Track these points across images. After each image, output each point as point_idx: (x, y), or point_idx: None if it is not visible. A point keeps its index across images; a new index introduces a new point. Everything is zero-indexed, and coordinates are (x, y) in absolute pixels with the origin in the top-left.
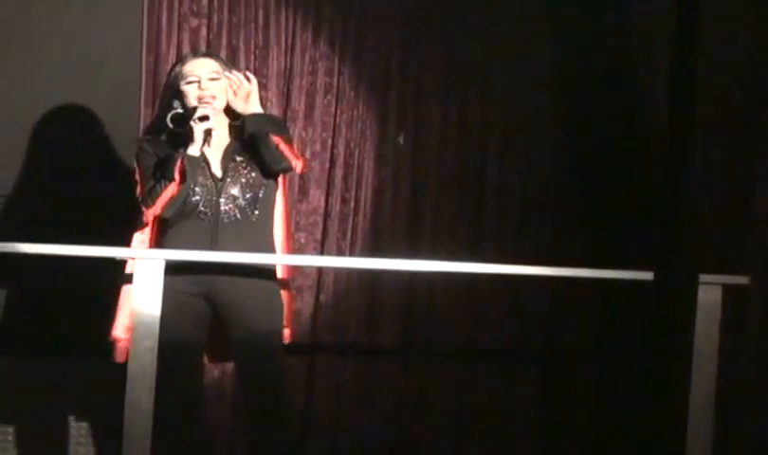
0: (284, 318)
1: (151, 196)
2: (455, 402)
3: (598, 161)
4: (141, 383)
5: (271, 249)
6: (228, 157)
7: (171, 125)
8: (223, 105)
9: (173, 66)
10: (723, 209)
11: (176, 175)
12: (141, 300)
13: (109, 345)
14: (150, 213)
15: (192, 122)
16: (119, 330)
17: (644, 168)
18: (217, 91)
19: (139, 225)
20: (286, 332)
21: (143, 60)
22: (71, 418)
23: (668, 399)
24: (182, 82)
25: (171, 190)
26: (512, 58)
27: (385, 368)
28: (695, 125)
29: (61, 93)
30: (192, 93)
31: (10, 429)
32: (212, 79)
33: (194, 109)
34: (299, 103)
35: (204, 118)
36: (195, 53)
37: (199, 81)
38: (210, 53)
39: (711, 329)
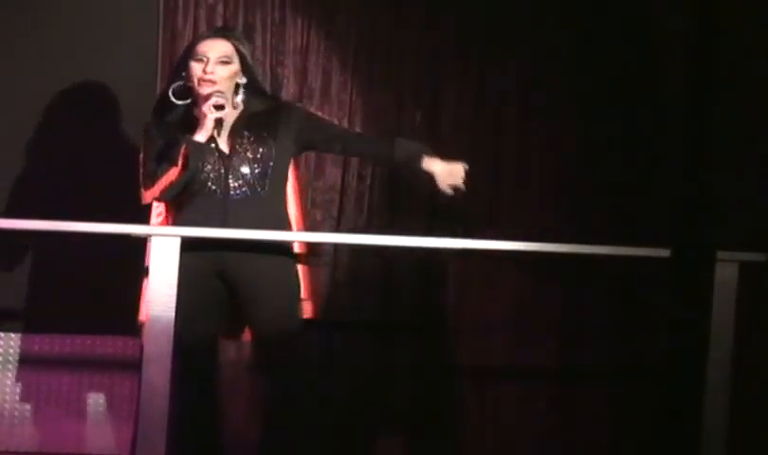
0: (304, 291)
1: (151, 179)
2: (472, 376)
3: (616, 139)
4: (158, 362)
5: (284, 224)
6: (235, 133)
7: (172, 97)
8: (232, 90)
9: (190, 43)
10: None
11: (179, 161)
12: (157, 279)
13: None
14: (148, 195)
15: (205, 109)
16: (145, 314)
17: (662, 146)
18: (224, 75)
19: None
20: (307, 305)
21: (159, 37)
22: (89, 394)
23: (685, 376)
24: (191, 59)
25: (171, 174)
26: (529, 34)
27: (401, 345)
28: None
29: (77, 71)
30: (196, 72)
31: (28, 406)
32: (223, 62)
33: (209, 95)
34: (315, 81)
35: (219, 108)
36: (213, 32)
37: (207, 62)
38: (227, 33)
39: (728, 306)
